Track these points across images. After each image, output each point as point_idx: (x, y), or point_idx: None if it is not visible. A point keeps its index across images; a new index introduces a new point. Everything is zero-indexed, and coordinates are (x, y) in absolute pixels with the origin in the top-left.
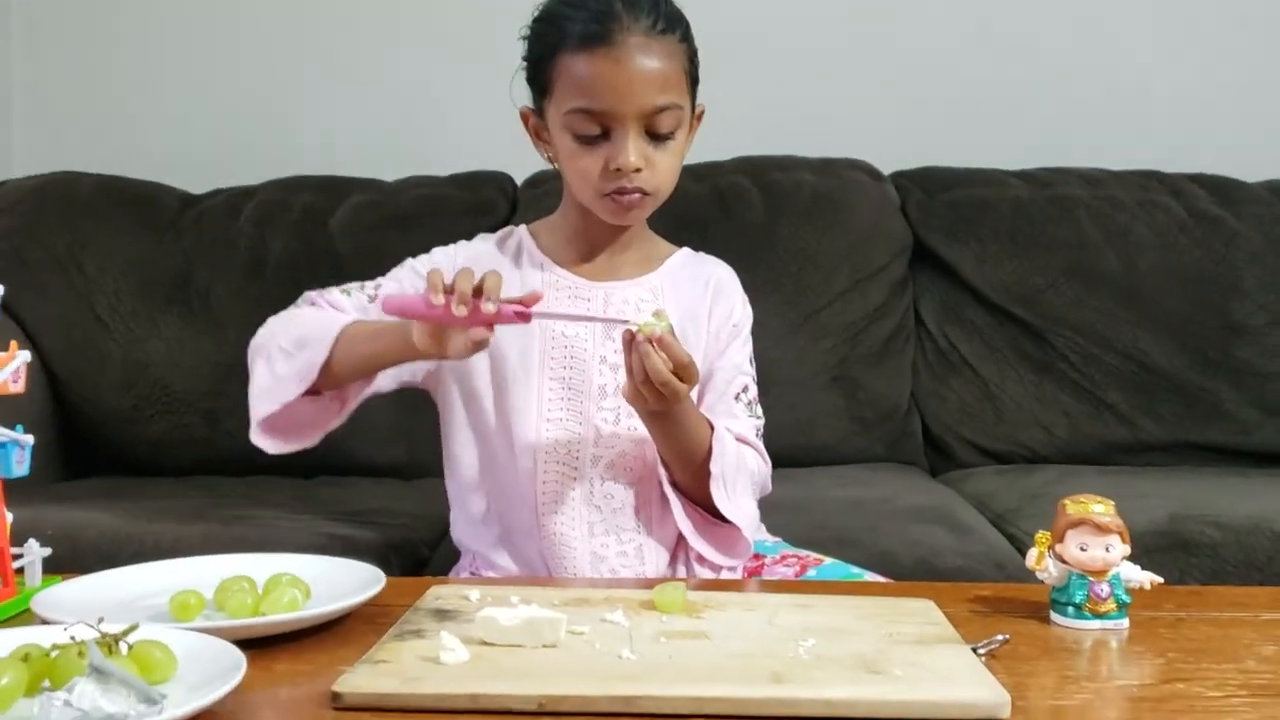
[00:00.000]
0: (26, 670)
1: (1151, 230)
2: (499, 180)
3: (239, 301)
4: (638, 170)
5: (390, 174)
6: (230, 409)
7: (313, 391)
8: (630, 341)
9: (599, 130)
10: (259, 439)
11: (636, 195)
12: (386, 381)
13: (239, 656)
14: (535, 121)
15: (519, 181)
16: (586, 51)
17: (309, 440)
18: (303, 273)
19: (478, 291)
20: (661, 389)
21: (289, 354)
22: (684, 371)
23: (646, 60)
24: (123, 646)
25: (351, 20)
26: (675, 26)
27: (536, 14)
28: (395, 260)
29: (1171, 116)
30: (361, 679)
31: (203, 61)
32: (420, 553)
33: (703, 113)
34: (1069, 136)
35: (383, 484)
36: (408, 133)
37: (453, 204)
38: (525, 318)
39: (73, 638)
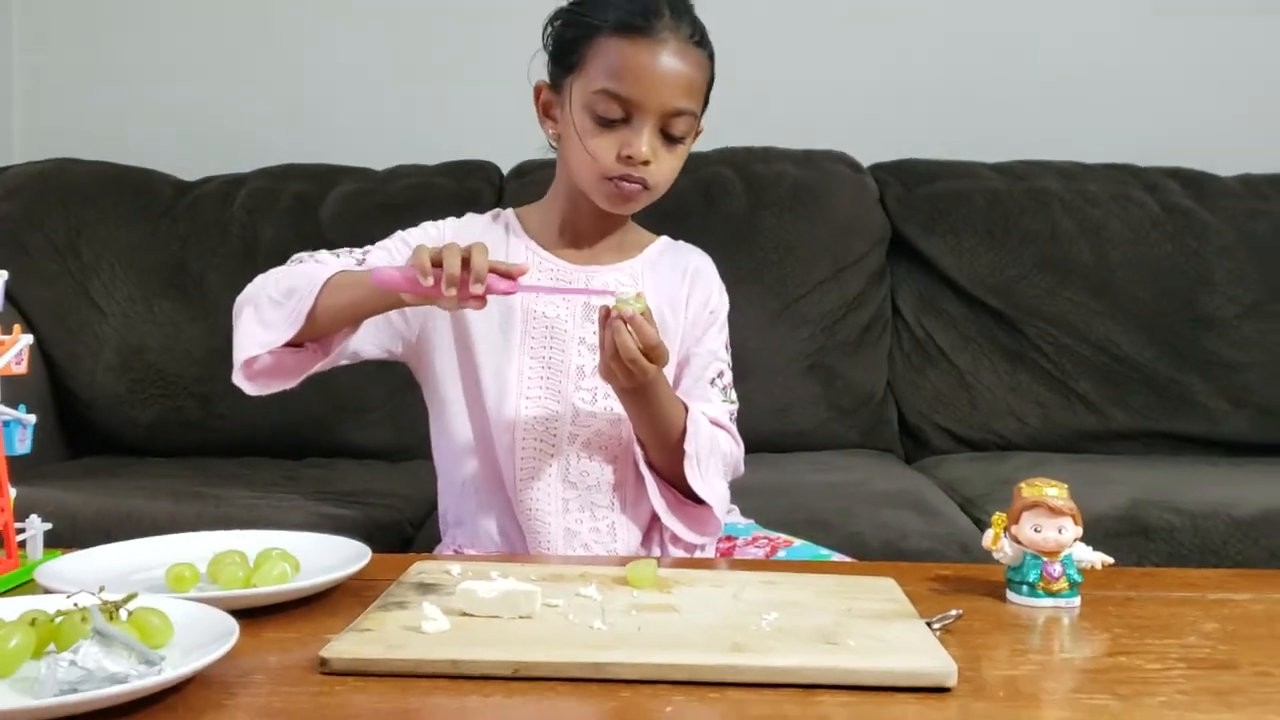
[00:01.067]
0: (34, 634)
1: (1125, 224)
2: (486, 170)
3: (232, 287)
4: (646, 163)
5: (377, 162)
6: (223, 393)
7: (295, 345)
8: (605, 317)
9: (621, 115)
10: (240, 381)
11: (637, 187)
12: (369, 346)
13: (232, 624)
14: (548, 96)
15: (505, 171)
16: (628, 39)
17: (289, 383)
18: None
19: (465, 265)
20: (630, 366)
21: (277, 303)
22: (652, 352)
23: (680, 63)
24: (123, 613)
25: (338, 9)
26: (707, 45)
27: None
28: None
29: (1146, 111)
30: (347, 646)
31: (194, 49)
32: (405, 531)
33: (700, 132)
34: (1044, 130)
35: (369, 466)
36: (394, 122)
37: (441, 193)
38: (512, 290)
39: (76, 605)
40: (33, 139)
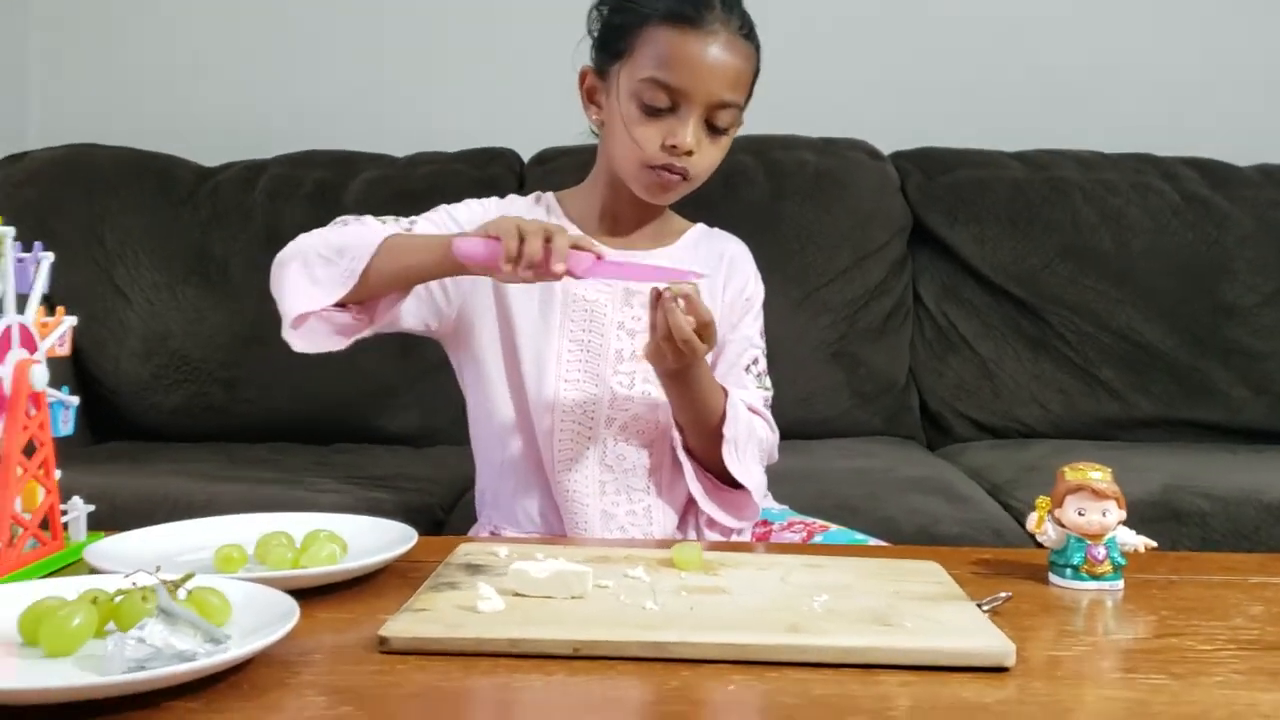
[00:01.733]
0: (95, 612)
1: (1145, 213)
2: (506, 157)
3: (255, 273)
4: (689, 153)
5: (396, 149)
6: (248, 378)
7: (341, 306)
8: (657, 299)
9: (667, 104)
10: (289, 335)
11: (678, 178)
12: (409, 318)
13: (291, 604)
14: (593, 81)
15: (525, 158)
16: (678, 28)
17: (336, 345)
18: None
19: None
20: (682, 346)
21: (328, 260)
22: (705, 330)
23: (729, 55)
24: (181, 593)
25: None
26: (755, 39)
27: None
28: None
29: (1165, 100)
30: (405, 625)
31: (211, 36)
32: (437, 515)
33: (742, 124)
34: (1064, 118)
35: (396, 451)
36: (413, 109)
37: (462, 179)
38: (588, 274)
39: (134, 585)
40: (49, 125)
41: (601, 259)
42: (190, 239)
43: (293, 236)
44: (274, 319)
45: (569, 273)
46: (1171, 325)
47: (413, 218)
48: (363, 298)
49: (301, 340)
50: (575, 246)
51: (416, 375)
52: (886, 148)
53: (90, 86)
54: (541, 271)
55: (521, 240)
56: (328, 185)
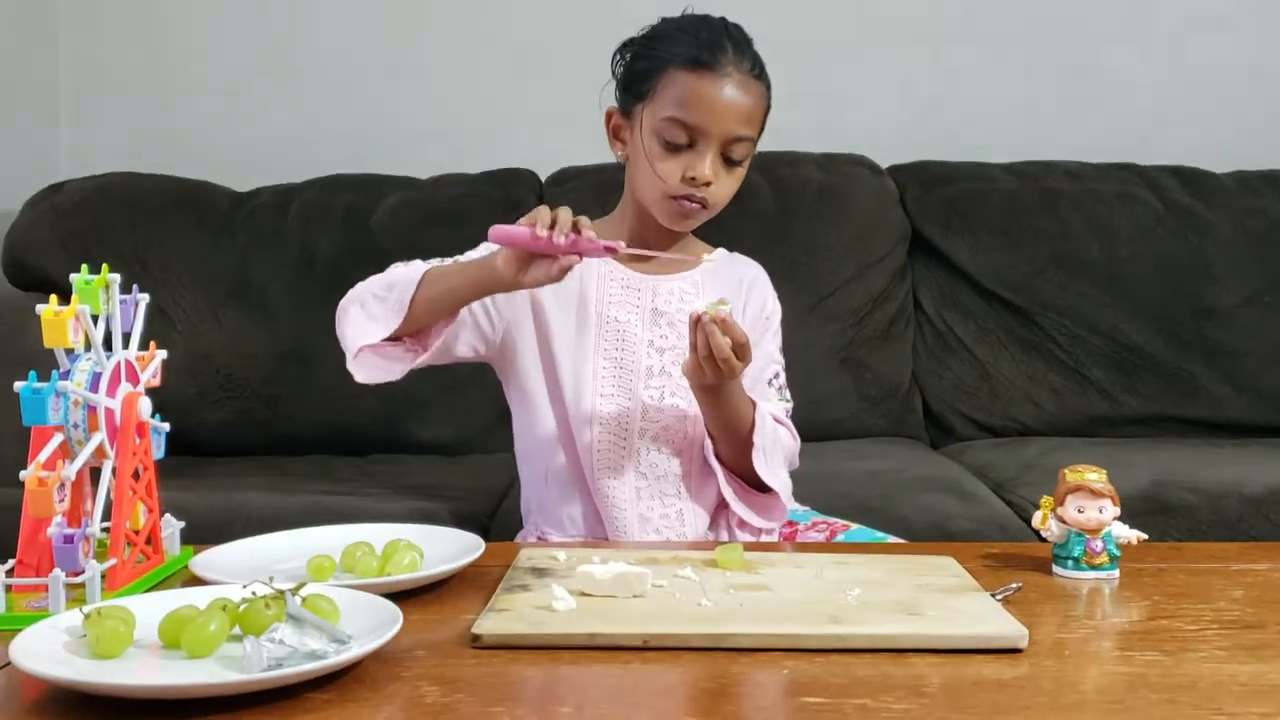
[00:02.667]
0: (226, 619)
1: (1130, 221)
2: (526, 178)
3: (292, 295)
4: (708, 184)
5: (419, 171)
6: (288, 394)
7: (396, 339)
8: (696, 321)
9: (686, 140)
10: (353, 367)
11: (698, 206)
12: (460, 345)
13: (392, 608)
14: (618, 120)
15: (543, 178)
16: (695, 72)
17: (396, 374)
18: (350, 268)
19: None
20: (722, 365)
21: (380, 298)
22: (741, 350)
23: (742, 95)
24: (296, 600)
25: (381, 26)
26: (765, 78)
27: (648, 31)
28: (436, 254)
29: (1147, 111)
30: (494, 624)
31: (237, 64)
32: (483, 521)
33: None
34: (1052, 131)
35: (431, 461)
36: (436, 131)
37: (487, 200)
38: (613, 251)
39: (254, 593)
40: (81, 155)
41: (615, 250)
42: (228, 263)
43: (327, 259)
44: (310, 337)
45: (592, 243)
46: (1157, 327)
47: (456, 257)
48: (415, 328)
49: (363, 372)
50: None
51: (446, 386)
52: (885, 162)
53: (118, 116)
54: (575, 241)
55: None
56: (357, 208)
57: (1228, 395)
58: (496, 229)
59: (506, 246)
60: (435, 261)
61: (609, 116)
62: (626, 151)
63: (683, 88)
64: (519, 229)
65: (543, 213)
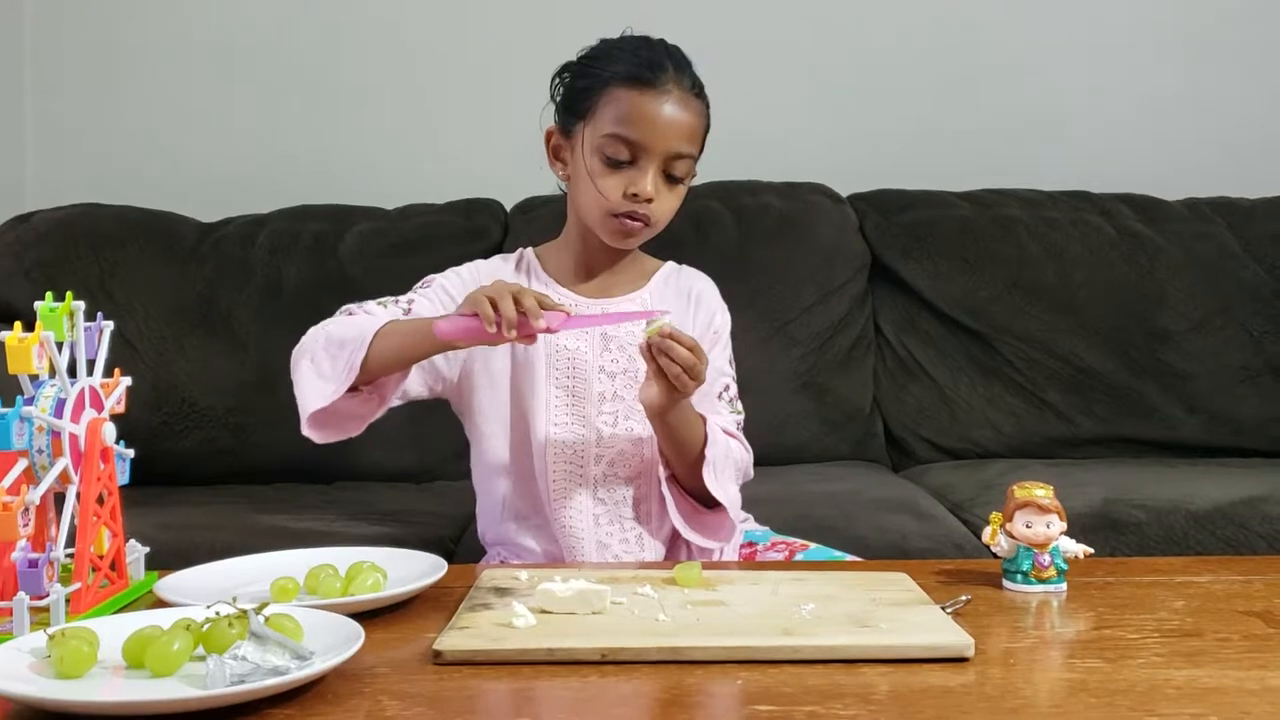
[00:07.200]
0: (190, 638)
1: (1084, 247)
2: (491, 207)
3: (258, 323)
4: (649, 200)
5: (385, 202)
6: (254, 422)
7: (353, 389)
8: (648, 349)
9: (628, 157)
10: (309, 431)
11: (639, 224)
12: (416, 386)
13: (354, 626)
14: (558, 140)
15: (508, 207)
16: (636, 89)
17: (353, 431)
18: (317, 296)
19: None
20: (689, 372)
21: (333, 355)
22: (696, 351)
23: (682, 112)
24: (261, 618)
25: (347, 58)
26: (704, 97)
27: (588, 51)
28: (403, 282)
29: (1100, 140)
30: (455, 640)
31: (205, 96)
32: (448, 546)
33: (695, 175)
34: (1007, 160)
35: (397, 488)
36: (402, 161)
37: (452, 229)
38: (563, 326)
39: (217, 613)
40: (47, 185)
41: (570, 315)
42: (195, 292)
43: (294, 288)
44: (277, 365)
45: (547, 329)
46: (1110, 350)
47: (410, 295)
48: (367, 382)
49: (319, 434)
50: (543, 305)
51: (410, 414)
52: (845, 190)
53: (85, 146)
54: (524, 329)
55: (495, 306)
56: (324, 237)
57: (1180, 416)
58: (443, 329)
59: (460, 342)
60: (391, 306)
61: (549, 136)
62: (567, 171)
63: (624, 104)
64: (468, 324)
65: (483, 305)
